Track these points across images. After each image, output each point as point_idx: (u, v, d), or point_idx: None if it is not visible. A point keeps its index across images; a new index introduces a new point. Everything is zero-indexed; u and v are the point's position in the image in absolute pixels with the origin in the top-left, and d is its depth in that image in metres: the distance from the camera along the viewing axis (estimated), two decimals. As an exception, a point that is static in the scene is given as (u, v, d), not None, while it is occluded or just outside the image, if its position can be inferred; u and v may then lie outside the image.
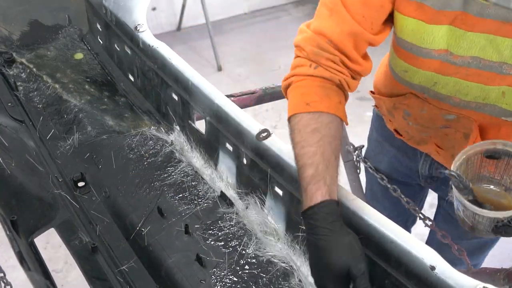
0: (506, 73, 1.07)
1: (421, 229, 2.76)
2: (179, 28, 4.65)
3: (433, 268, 0.87)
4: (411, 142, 1.41)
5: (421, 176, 1.47)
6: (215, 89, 1.30)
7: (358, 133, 3.55)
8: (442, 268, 0.86)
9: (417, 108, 1.28)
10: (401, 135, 1.43)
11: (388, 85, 1.37)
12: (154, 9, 4.44)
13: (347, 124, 1.18)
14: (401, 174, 1.54)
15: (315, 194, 1.00)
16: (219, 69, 4.21)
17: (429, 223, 1.41)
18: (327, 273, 0.96)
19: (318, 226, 0.98)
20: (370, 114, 4.01)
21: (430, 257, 0.88)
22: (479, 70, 1.10)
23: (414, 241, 0.92)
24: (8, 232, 1.09)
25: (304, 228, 1.04)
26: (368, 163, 1.61)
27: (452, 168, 0.99)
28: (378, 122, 1.58)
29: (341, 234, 0.96)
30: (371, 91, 1.47)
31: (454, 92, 1.17)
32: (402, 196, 1.44)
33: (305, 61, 1.12)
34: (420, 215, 1.43)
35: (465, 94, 1.16)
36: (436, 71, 1.15)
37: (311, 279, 1.08)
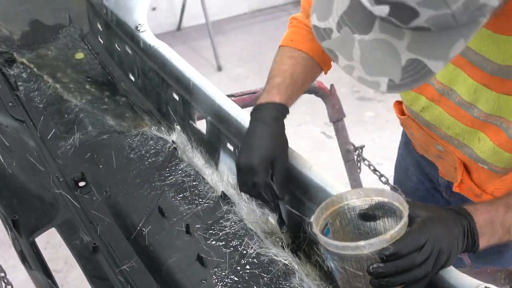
0: (477, 117, 1.06)
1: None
2: (179, 28, 4.66)
3: (434, 267, 0.87)
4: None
5: (442, 186, 1.39)
6: (216, 89, 1.30)
7: (358, 133, 3.57)
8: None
9: (416, 132, 1.29)
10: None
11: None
12: (154, 9, 4.45)
13: (325, 72, 1.28)
14: (427, 187, 1.48)
15: (274, 96, 1.13)
16: (219, 69, 4.21)
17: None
18: (253, 156, 1.07)
19: (262, 117, 1.11)
20: (370, 114, 4.04)
21: (431, 257, 0.88)
22: (455, 105, 1.10)
23: (415, 241, 0.91)
24: (10, 232, 1.09)
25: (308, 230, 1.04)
26: (369, 163, 1.62)
27: (314, 225, 0.94)
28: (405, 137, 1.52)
29: (277, 129, 1.09)
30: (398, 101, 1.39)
31: (438, 122, 1.16)
32: (403, 196, 1.43)
33: (301, 13, 1.26)
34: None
35: (447, 127, 1.15)
36: (426, 95, 1.15)
37: (312, 280, 1.09)
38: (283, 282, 1.08)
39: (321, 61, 1.22)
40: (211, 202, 1.25)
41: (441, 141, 1.21)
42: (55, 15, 1.84)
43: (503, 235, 0.94)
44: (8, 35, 1.76)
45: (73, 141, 1.41)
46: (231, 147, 1.30)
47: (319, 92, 1.80)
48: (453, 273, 0.86)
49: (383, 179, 1.62)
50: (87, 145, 1.42)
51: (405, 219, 0.85)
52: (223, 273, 1.09)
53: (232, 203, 1.24)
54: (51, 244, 2.78)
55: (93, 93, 1.58)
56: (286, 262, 1.10)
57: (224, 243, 1.16)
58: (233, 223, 1.20)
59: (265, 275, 1.09)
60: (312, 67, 1.22)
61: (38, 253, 1.14)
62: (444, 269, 0.86)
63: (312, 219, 0.95)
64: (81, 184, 1.32)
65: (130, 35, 1.58)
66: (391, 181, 1.64)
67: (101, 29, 1.72)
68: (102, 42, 1.75)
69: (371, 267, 0.83)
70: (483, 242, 0.91)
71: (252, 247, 1.13)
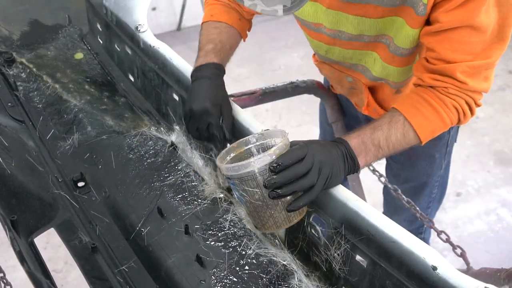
0: (368, 41, 1.31)
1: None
2: (179, 28, 4.66)
3: (435, 268, 0.87)
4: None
5: (362, 120, 1.69)
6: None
7: (358, 133, 3.56)
8: (444, 268, 0.86)
9: (328, 72, 1.57)
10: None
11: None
12: (154, 9, 4.45)
13: (244, 40, 1.49)
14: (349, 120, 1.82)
15: (212, 59, 1.32)
16: (219, 69, 4.21)
17: (429, 223, 1.41)
18: (205, 101, 1.23)
19: (205, 74, 1.29)
20: (370, 114, 3.97)
21: (431, 258, 0.88)
22: (348, 41, 1.33)
23: (415, 241, 0.92)
24: (8, 232, 1.08)
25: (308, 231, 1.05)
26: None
27: (218, 162, 1.11)
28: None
29: (219, 83, 1.30)
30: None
31: (342, 58, 1.42)
32: (403, 196, 1.44)
33: None
34: (420, 215, 1.43)
35: (350, 58, 1.40)
36: (322, 41, 1.40)
37: (311, 280, 1.09)
38: (282, 283, 1.07)
39: (240, 29, 1.45)
40: (210, 202, 1.25)
41: (349, 72, 1.48)
42: (55, 15, 1.84)
43: (377, 151, 1.13)
44: (8, 35, 1.76)
45: (72, 141, 1.41)
46: (230, 147, 1.30)
47: (319, 92, 1.80)
48: (454, 274, 0.86)
49: (382, 179, 1.62)
50: (86, 145, 1.42)
51: (285, 140, 1.04)
52: (222, 274, 1.09)
53: (231, 203, 1.24)
54: (51, 244, 2.78)
55: (93, 93, 1.57)
56: (285, 262, 1.10)
57: (223, 243, 1.16)
58: (232, 223, 1.20)
59: (264, 276, 1.09)
60: (234, 35, 1.44)
61: (37, 254, 1.14)
62: (445, 270, 0.86)
63: (217, 158, 1.12)
64: (80, 184, 1.32)
65: (130, 35, 1.58)
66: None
67: (100, 29, 1.71)
68: (101, 42, 1.75)
69: (265, 181, 0.99)
70: (361, 160, 1.10)
71: (251, 248, 1.13)
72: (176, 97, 1.45)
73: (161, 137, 1.43)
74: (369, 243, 0.98)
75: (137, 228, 1.20)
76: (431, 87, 1.19)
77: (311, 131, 3.59)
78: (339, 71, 1.50)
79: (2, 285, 1.40)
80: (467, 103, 1.18)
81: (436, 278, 0.87)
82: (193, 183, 1.30)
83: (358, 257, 1.02)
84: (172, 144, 1.39)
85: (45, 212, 1.23)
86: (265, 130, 1.15)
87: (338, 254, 1.05)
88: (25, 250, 1.09)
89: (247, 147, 1.15)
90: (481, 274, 1.19)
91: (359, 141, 1.11)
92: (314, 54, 1.62)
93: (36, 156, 1.36)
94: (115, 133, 1.46)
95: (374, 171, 1.60)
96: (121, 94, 1.61)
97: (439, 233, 1.35)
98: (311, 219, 1.12)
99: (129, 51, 1.61)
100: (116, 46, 1.65)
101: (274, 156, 1.00)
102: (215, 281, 1.08)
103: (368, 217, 0.98)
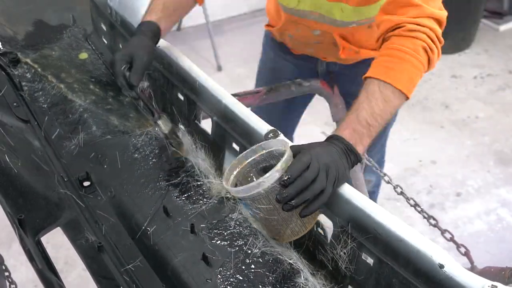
0: None
1: (422, 228, 2.78)
2: (179, 28, 4.65)
3: (441, 266, 0.87)
4: (306, 53, 1.80)
5: (320, 73, 1.84)
6: (222, 89, 1.30)
7: (359, 134, 3.56)
8: (451, 266, 0.87)
9: (294, 30, 1.68)
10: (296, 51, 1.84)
11: (275, 18, 1.77)
12: None
13: (199, 4, 1.62)
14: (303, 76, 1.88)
15: (148, 17, 1.41)
16: (219, 69, 4.21)
17: (433, 222, 1.42)
18: (116, 54, 1.34)
19: (138, 30, 1.40)
20: (370, 114, 3.97)
21: (438, 256, 0.89)
22: None
23: (422, 240, 0.92)
24: (17, 231, 1.09)
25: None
26: (371, 162, 1.63)
27: (224, 183, 1.11)
28: (274, 45, 1.94)
29: (143, 37, 1.38)
30: (267, 25, 1.89)
31: (313, 6, 1.51)
32: (406, 195, 1.44)
33: None
34: (424, 214, 1.43)
35: (319, 7, 1.50)
36: None
37: (317, 279, 1.09)
38: (288, 282, 1.08)
39: None
40: (216, 201, 1.26)
41: (317, 26, 1.58)
42: (59, 15, 1.84)
43: (368, 131, 1.13)
44: (12, 35, 1.76)
45: (77, 141, 1.41)
46: (236, 147, 1.30)
47: (323, 92, 1.81)
48: (460, 272, 0.86)
49: (386, 178, 1.63)
50: (92, 145, 1.42)
51: (288, 152, 1.03)
52: (228, 273, 1.10)
53: (237, 202, 1.24)
54: (52, 244, 2.78)
55: (97, 93, 1.58)
56: (291, 261, 1.11)
57: (229, 242, 1.16)
58: (237, 222, 1.20)
59: (270, 275, 1.09)
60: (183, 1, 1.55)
61: (44, 252, 1.14)
62: (452, 268, 0.87)
63: (223, 180, 1.12)
64: (86, 184, 1.32)
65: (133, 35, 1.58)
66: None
67: (105, 29, 1.72)
68: (106, 42, 1.75)
69: (277, 196, 0.99)
70: (360, 148, 1.11)
71: (257, 246, 1.13)
72: (181, 96, 1.46)
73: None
74: (375, 242, 0.99)
75: (143, 228, 1.21)
76: (392, 31, 1.23)
77: (311, 131, 3.60)
78: (306, 26, 1.61)
79: (8, 284, 1.40)
80: (429, 37, 1.20)
81: (443, 276, 0.87)
82: (199, 182, 1.31)
83: (364, 256, 1.03)
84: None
85: (51, 211, 1.23)
86: (264, 141, 1.16)
87: (345, 253, 1.05)
88: (32, 249, 1.09)
89: (247, 161, 1.15)
90: (485, 273, 1.20)
91: (350, 131, 1.12)
92: (268, 25, 1.83)
93: (41, 156, 1.36)
94: (120, 132, 1.47)
95: (377, 170, 1.61)
96: (126, 94, 1.62)
97: (443, 232, 1.36)
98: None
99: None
100: (120, 46, 1.65)
101: (282, 171, 1.00)
102: (221, 280, 1.09)
103: (375, 216, 0.99)
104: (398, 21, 1.21)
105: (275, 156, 1.13)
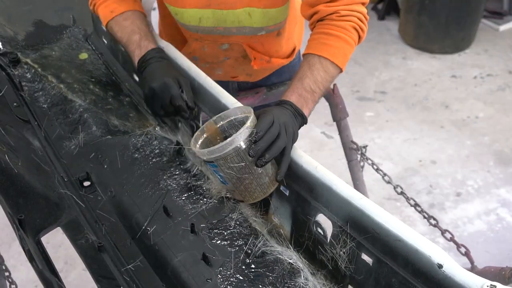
0: None
1: (422, 228, 2.78)
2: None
3: (440, 266, 0.87)
4: (215, 78, 1.61)
5: (233, 90, 1.82)
6: (221, 89, 1.30)
7: (359, 133, 3.58)
8: (450, 266, 0.87)
9: (199, 50, 1.62)
10: None
11: (170, 39, 1.65)
12: (154, 9, 4.45)
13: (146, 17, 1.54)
14: None
15: (150, 45, 1.42)
16: (220, 69, 4.21)
17: (433, 222, 1.42)
18: (163, 78, 1.32)
19: (154, 59, 1.39)
20: (370, 114, 4.05)
21: (437, 255, 0.89)
22: (221, 1, 1.43)
23: (420, 239, 0.92)
24: (17, 231, 1.09)
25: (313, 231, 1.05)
26: (372, 162, 1.63)
27: (193, 148, 1.17)
28: None
29: (169, 62, 1.41)
30: None
31: (216, 22, 1.49)
32: (407, 195, 1.45)
33: None
34: (424, 214, 1.44)
35: (223, 21, 1.49)
36: (196, 6, 1.46)
37: (317, 279, 1.09)
38: (288, 281, 1.08)
39: (141, 9, 1.54)
40: (216, 201, 1.26)
41: (224, 39, 1.56)
42: (59, 15, 1.84)
43: (312, 96, 1.27)
44: (13, 36, 1.76)
45: (77, 141, 1.41)
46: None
47: (323, 92, 1.80)
48: (459, 272, 0.86)
49: (386, 178, 1.63)
50: (92, 145, 1.42)
51: (253, 115, 1.13)
52: (228, 272, 1.10)
53: (237, 202, 1.25)
54: (51, 244, 2.78)
55: (97, 93, 1.58)
56: (291, 261, 1.11)
57: (229, 242, 1.16)
58: (238, 222, 1.20)
59: (270, 274, 1.09)
60: (141, 16, 1.52)
61: (44, 253, 1.14)
62: (451, 268, 0.87)
63: (191, 142, 1.19)
64: (86, 183, 1.32)
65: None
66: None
67: (105, 29, 1.72)
68: (106, 42, 1.75)
69: (250, 151, 1.08)
70: (306, 111, 1.25)
71: (257, 246, 1.13)
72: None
73: (166, 136, 1.44)
74: (374, 242, 0.99)
75: (143, 227, 1.21)
76: (327, 16, 1.34)
77: (311, 131, 3.60)
78: (212, 42, 1.59)
79: (8, 284, 1.40)
80: (359, 19, 1.35)
81: (442, 276, 0.87)
82: (199, 182, 1.31)
83: (363, 256, 1.03)
84: (178, 143, 1.40)
85: (51, 211, 1.24)
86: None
87: (344, 253, 1.05)
88: (32, 249, 1.10)
89: (212, 131, 1.22)
90: (485, 273, 1.20)
91: (297, 96, 1.25)
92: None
93: (42, 156, 1.36)
94: (120, 132, 1.47)
95: (378, 170, 1.61)
96: (126, 94, 1.62)
97: (443, 232, 1.36)
98: (316, 218, 1.13)
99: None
100: (120, 46, 1.65)
101: (251, 128, 1.09)
102: (221, 279, 1.09)
103: (373, 216, 0.99)
104: (334, 9, 1.33)
105: (235, 125, 1.19)
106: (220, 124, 1.22)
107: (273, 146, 1.10)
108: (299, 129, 1.23)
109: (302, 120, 1.24)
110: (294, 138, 1.17)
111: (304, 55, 1.34)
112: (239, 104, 1.28)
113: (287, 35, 1.65)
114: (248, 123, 1.09)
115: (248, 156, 1.09)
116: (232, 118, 1.21)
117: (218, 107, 1.32)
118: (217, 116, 1.22)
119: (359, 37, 1.38)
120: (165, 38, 1.69)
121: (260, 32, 1.54)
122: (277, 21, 1.53)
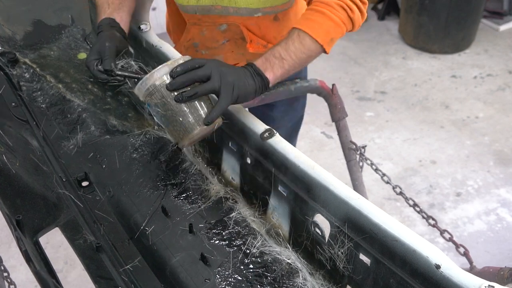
0: None
1: (422, 228, 2.78)
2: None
3: (438, 266, 0.87)
4: None
5: None
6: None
7: (359, 133, 3.58)
8: (447, 266, 0.87)
9: (198, 34, 1.63)
10: None
11: (176, 31, 1.76)
12: (154, 9, 4.44)
13: None
14: None
15: (103, 15, 1.45)
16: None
17: (432, 222, 1.42)
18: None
19: (102, 28, 1.41)
20: (370, 114, 4.04)
21: (435, 256, 0.88)
22: None
23: (418, 240, 0.92)
24: (14, 232, 1.09)
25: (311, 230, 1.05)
26: (371, 162, 1.63)
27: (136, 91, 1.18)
28: None
29: (109, 31, 1.39)
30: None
31: (214, 0, 1.51)
32: (405, 195, 1.44)
33: None
34: (423, 214, 1.43)
35: (220, 0, 1.49)
36: None
37: (315, 279, 1.09)
38: (287, 281, 1.08)
39: None
40: (214, 201, 1.26)
41: (222, 19, 1.57)
42: (58, 15, 1.84)
43: (281, 62, 1.25)
44: (11, 35, 1.76)
45: (76, 141, 1.41)
46: (234, 147, 1.30)
47: (322, 92, 1.81)
48: (457, 272, 0.86)
49: (385, 178, 1.63)
50: (90, 145, 1.42)
51: (186, 57, 1.15)
52: (227, 273, 1.10)
53: (235, 202, 1.24)
54: (51, 244, 2.78)
55: (96, 93, 1.57)
56: (289, 261, 1.11)
57: (227, 242, 1.16)
58: (236, 222, 1.20)
59: (269, 274, 1.09)
60: None
61: (42, 253, 1.14)
62: (448, 268, 0.87)
63: (135, 90, 1.19)
64: (84, 183, 1.32)
65: (132, 35, 1.58)
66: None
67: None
68: (104, 42, 1.75)
69: (168, 84, 1.11)
70: (269, 74, 1.23)
71: (255, 246, 1.13)
72: (179, 97, 1.46)
73: (165, 136, 1.43)
74: (372, 242, 0.99)
75: (142, 227, 1.21)
76: None
77: (311, 131, 3.60)
78: (211, 24, 1.59)
79: (7, 284, 1.40)
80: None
81: (440, 277, 0.87)
82: (197, 182, 1.31)
83: (361, 256, 1.03)
84: (176, 143, 1.40)
85: (49, 211, 1.24)
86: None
87: (342, 253, 1.05)
88: (30, 250, 1.09)
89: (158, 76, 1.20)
90: (484, 273, 1.19)
91: (262, 59, 1.24)
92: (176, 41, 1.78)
93: (40, 156, 1.36)
94: (118, 132, 1.47)
95: (377, 170, 1.61)
96: (125, 94, 1.62)
97: (442, 232, 1.35)
98: (314, 218, 1.13)
99: (132, 51, 1.61)
100: (119, 46, 1.65)
101: (171, 66, 1.12)
102: (220, 279, 1.09)
103: (371, 216, 0.98)
104: None
105: None
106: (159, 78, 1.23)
107: (198, 86, 1.13)
108: (260, 91, 1.22)
109: (262, 81, 1.23)
110: (236, 90, 1.16)
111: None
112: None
113: (287, 24, 1.64)
114: (170, 61, 1.13)
115: (168, 92, 1.12)
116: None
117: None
118: (165, 63, 1.22)
119: (351, 19, 1.35)
120: (172, 27, 1.78)
121: (257, 13, 1.55)
122: (273, 3, 1.53)
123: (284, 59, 1.26)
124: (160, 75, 1.12)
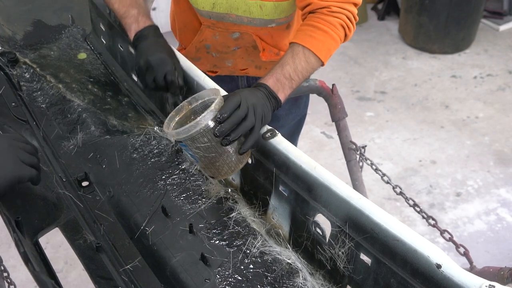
0: None
1: (422, 228, 2.78)
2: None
3: (439, 266, 0.87)
4: (225, 72, 1.78)
5: (242, 87, 1.84)
6: (220, 89, 1.30)
7: (358, 133, 3.58)
8: (448, 266, 0.87)
9: (211, 37, 1.65)
10: (214, 72, 1.79)
11: (185, 32, 1.73)
12: (154, 9, 4.45)
13: None
14: None
15: (146, 21, 1.43)
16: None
17: (432, 222, 1.42)
18: (161, 53, 1.35)
19: (150, 35, 1.40)
20: (370, 114, 4.05)
21: (436, 255, 0.88)
22: None
23: (419, 240, 0.92)
24: (12, 233, 1.08)
25: (311, 230, 1.05)
26: (371, 162, 1.63)
27: (165, 129, 1.19)
28: None
29: (164, 40, 1.42)
30: (179, 48, 1.81)
31: (228, 8, 1.53)
32: (406, 195, 1.44)
33: None
34: (423, 214, 1.43)
35: (236, 9, 1.52)
36: None
37: (316, 279, 1.09)
38: (287, 282, 1.08)
39: None
40: (215, 201, 1.26)
41: (236, 28, 1.59)
42: (58, 15, 1.84)
43: (290, 83, 1.31)
44: (11, 35, 1.76)
45: (76, 141, 1.41)
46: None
47: (322, 92, 1.80)
48: (458, 272, 0.86)
49: (385, 178, 1.62)
50: (90, 145, 1.42)
51: (220, 96, 1.16)
52: (227, 273, 1.10)
53: (236, 202, 1.24)
54: (51, 244, 2.78)
55: (96, 93, 1.58)
56: (289, 261, 1.11)
57: (227, 242, 1.16)
58: (236, 222, 1.20)
59: (269, 275, 1.09)
60: None
61: (42, 254, 1.14)
62: (449, 268, 0.87)
63: (164, 125, 1.21)
64: (84, 184, 1.32)
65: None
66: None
67: (103, 29, 1.72)
68: (104, 42, 1.75)
69: (215, 131, 1.11)
70: (281, 95, 1.29)
71: (255, 246, 1.13)
72: (180, 96, 1.46)
73: (165, 136, 1.43)
74: (373, 242, 0.99)
75: (142, 227, 1.21)
76: (319, 9, 1.39)
77: (311, 131, 3.60)
78: (224, 29, 1.61)
79: (6, 284, 1.40)
80: (348, 17, 1.40)
81: (441, 276, 0.87)
82: (197, 182, 1.31)
83: (362, 256, 1.02)
84: (176, 143, 1.39)
85: (49, 212, 1.23)
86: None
87: (343, 253, 1.05)
88: (29, 251, 1.09)
89: (183, 113, 1.24)
90: (484, 273, 1.19)
91: (274, 80, 1.29)
92: (180, 48, 1.77)
93: (40, 156, 1.36)
94: (118, 132, 1.47)
95: (377, 170, 1.61)
96: (125, 94, 1.62)
97: (442, 232, 1.35)
98: (315, 218, 1.13)
99: (133, 51, 1.61)
100: (119, 46, 1.65)
101: (215, 111, 1.12)
102: (220, 280, 1.09)
103: (372, 216, 0.98)
104: (326, 4, 1.38)
105: (208, 106, 1.20)
106: (193, 105, 1.25)
107: (239, 126, 1.14)
108: (273, 111, 1.27)
109: (276, 102, 1.28)
110: (264, 119, 1.20)
111: (290, 43, 1.38)
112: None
113: (295, 27, 1.67)
114: (213, 106, 1.13)
115: (214, 136, 1.12)
116: (205, 99, 1.24)
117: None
118: (191, 97, 1.25)
119: (346, 35, 1.42)
120: (178, 26, 1.75)
121: (271, 24, 1.57)
122: (288, 13, 1.56)
123: (293, 79, 1.32)
124: (207, 121, 1.12)
